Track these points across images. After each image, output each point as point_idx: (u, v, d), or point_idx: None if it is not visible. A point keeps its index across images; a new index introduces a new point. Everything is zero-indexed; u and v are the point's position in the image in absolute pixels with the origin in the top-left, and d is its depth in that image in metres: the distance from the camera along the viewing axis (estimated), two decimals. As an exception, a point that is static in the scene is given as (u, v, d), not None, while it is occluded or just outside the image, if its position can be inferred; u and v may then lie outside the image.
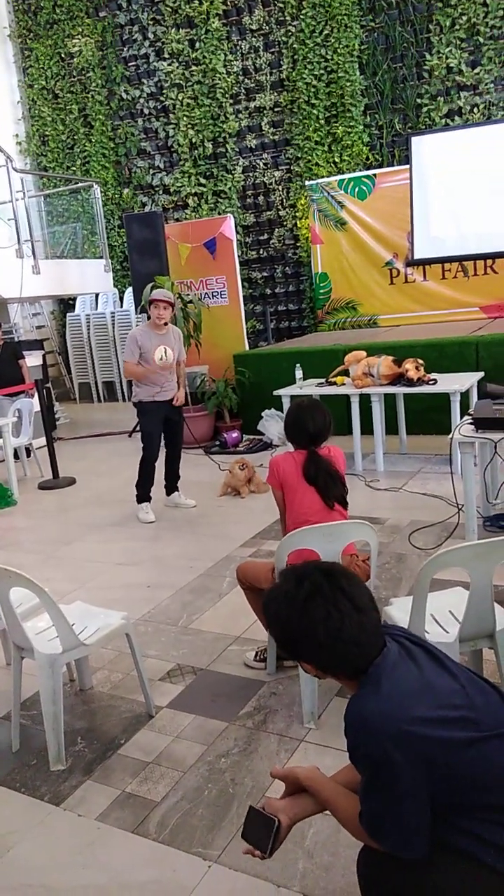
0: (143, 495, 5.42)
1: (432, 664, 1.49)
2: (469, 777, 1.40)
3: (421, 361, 5.66)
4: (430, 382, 5.59)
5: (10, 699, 2.82)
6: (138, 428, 5.54)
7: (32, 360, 8.08)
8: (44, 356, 8.18)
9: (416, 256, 8.56)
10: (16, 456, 6.98)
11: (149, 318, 5.31)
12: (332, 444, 3.12)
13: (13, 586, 2.58)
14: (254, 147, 10.66)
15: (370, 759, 1.42)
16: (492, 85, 9.06)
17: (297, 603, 1.48)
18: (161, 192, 11.37)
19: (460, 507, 4.45)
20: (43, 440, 7.07)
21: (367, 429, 5.91)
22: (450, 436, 4.16)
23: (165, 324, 5.23)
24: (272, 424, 7.29)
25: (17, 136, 12.16)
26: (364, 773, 1.45)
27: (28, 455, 7.37)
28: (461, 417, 4.84)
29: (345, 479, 3.02)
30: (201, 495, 5.78)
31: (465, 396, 5.58)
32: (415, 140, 8.30)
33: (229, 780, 2.44)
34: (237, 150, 10.75)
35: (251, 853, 1.59)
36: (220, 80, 10.54)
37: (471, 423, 4.04)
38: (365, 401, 5.86)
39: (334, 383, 6.18)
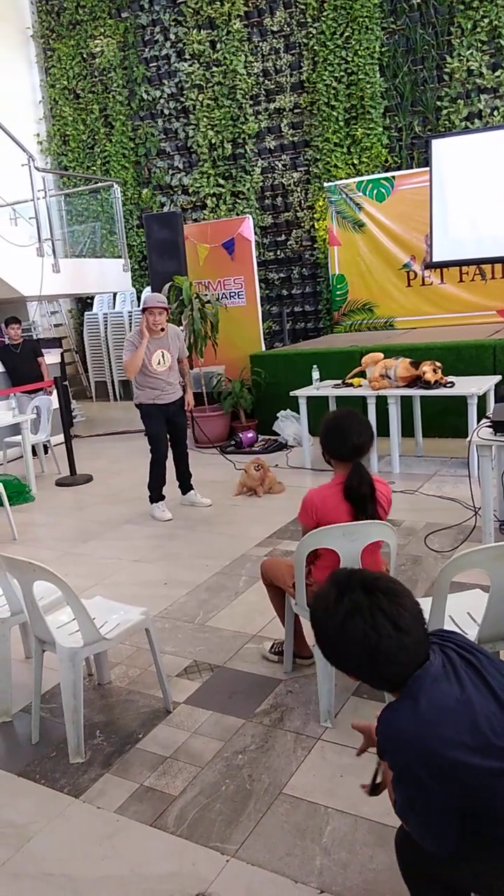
0: (156, 495, 5.44)
1: (476, 682, 1.46)
2: (498, 809, 1.39)
3: (438, 364, 5.66)
4: (448, 385, 5.59)
5: (31, 692, 2.85)
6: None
7: (51, 357, 8.14)
8: (62, 354, 8.23)
9: (435, 259, 8.55)
10: (34, 453, 7.04)
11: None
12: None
13: (36, 580, 2.62)
14: (273, 148, 10.68)
15: (396, 768, 1.45)
16: (513, 88, 9.04)
17: (336, 621, 1.48)
18: (180, 192, 11.43)
19: (477, 510, 4.45)
20: (60, 437, 7.12)
21: (383, 431, 5.90)
22: (468, 439, 4.16)
23: (162, 329, 5.20)
24: (287, 425, 7.31)
25: (38, 135, 12.26)
26: (392, 770, 1.48)
27: (45, 452, 7.43)
28: (478, 421, 4.84)
29: (386, 510, 2.76)
30: (216, 494, 5.81)
31: (482, 400, 5.57)
32: (435, 142, 8.29)
33: (246, 776, 2.47)
34: (256, 151, 10.78)
35: (364, 788, 1.69)
36: (240, 81, 10.57)
37: (489, 427, 4.03)
38: (381, 402, 5.86)
39: (351, 385, 6.18)
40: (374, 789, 1.66)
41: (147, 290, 10.96)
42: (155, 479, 5.41)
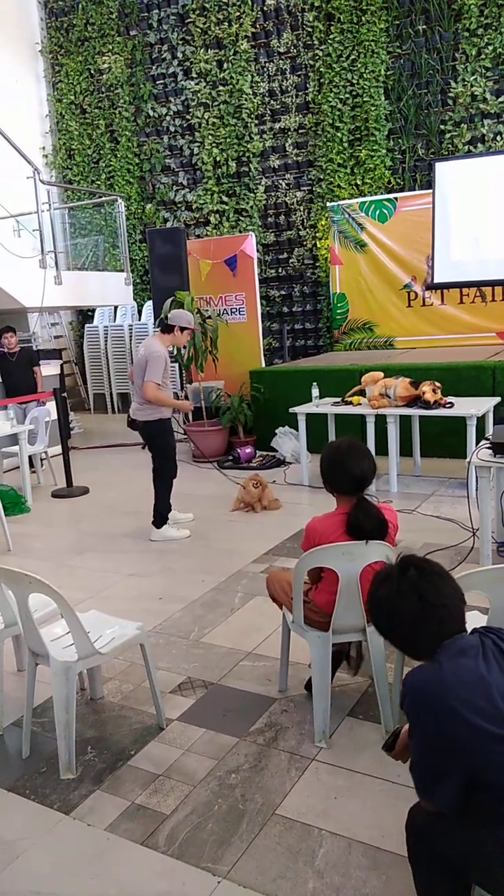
0: (166, 517, 5.25)
1: (502, 666, 1.59)
2: (500, 785, 1.51)
3: (438, 384, 5.68)
4: (447, 406, 5.60)
5: (22, 705, 2.82)
6: (156, 447, 5.23)
7: (50, 369, 8.15)
8: (61, 366, 8.23)
9: (436, 280, 8.61)
10: (30, 464, 7.02)
11: (164, 331, 5.14)
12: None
13: (32, 592, 2.60)
14: (277, 167, 10.78)
15: (411, 717, 1.62)
16: (515, 114, 9.16)
17: (375, 584, 1.74)
18: (183, 208, 11.50)
19: (475, 531, 4.44)
20: (58, 448, 7.11)
21: (381, 450, 5.91)
22: (467, 459, 4.16)
23: None
24: (285, 441, 7.30)
25: (43, 148, 12.35)
26: (408, 721, 1.65)
27: (41, 464, 7.41)
28: (477, 442, 4.84)
29: (394, 535, 2.70)
30: (213, 509, 5.79)
31: (481, 421, 5.58)
32: (438, 165, 8.38)
33: (239, 796, 2.43)
34: (260, 169, 10.88)
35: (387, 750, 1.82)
36: (246, 100, 10.69)
37: (489, 448, 4.04)
38: (380, 421, 5.87)
39: (350, 403, 6.19)
40: (390, 746, 1.79)
41: (148, 305, 11.01)
42: (168, 499, 5.22)
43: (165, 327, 5.17)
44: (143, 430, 5.17)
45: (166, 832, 2.29)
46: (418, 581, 1.65)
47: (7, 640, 3.02)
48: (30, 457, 6.89)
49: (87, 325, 12.05)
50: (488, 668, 1.56)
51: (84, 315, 12.52)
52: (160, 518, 5.23)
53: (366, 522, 2.57)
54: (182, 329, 5.12)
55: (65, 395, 6.97)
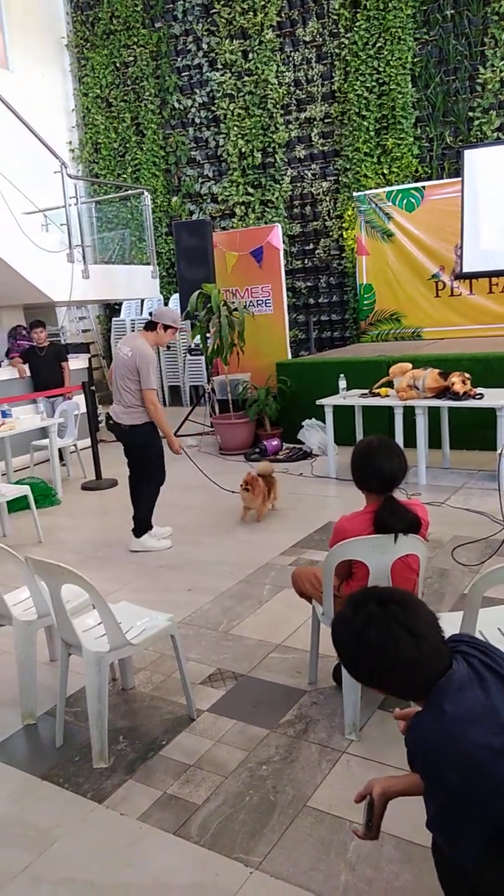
0: (148, 524, 4.95)
1: (500, 687, 1.48)
2: None
3: (468, 375, 5.61)
4: (477, 397, 5.53)
5: (55, 694, 2.86)
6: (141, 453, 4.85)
7: (78, 363, 8.21)
8: (89, 359, 8.32)
9: (466, 269, 8.50)
10: (60, 457, 7.10)
11: (148, 328, 4.82)
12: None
13: (65, 583, 2.63)
14: (303, 157, 10.71)
15: (425, 773, 1.48)
16: (546, 99, 8.98)
17: (354, 634, 1.54)
18: (209, 200, 11.49)
19: (506, 524, 4.39)
20: (86, 441, 7.17)
21: (409, 442, 5.86)
22: (497, 451, 4.11)
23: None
24: (312, 434, 7.28)
25: (70, 142, 12.41)
26: (423, 779, 1.50)
27: (70, 456, 7.48)
28: (508, 433, 4.78)
29: (426, 531, 2.66)
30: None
31: (511, 412, 5.51)
32: (467, 153, 8.26)
33: (270, 787, 2.44)
34: (286, 160, 10.81)
35: (356, 833, 1.67)
36: (271, 90, 10.62)
37: (520, 440, 3.98)
38: (409, 413, 5.82)
39: (378, 394, 6.15)
40: (368, 828, 1.64)
41: (174, 298, 11.02)
42: (153, 507, 4.92)
43: (149, 324, 4.82)
44: (127, 434, 4.75)
45: (198, 822, 2.31)
46: (403, 615, 1.50)
47: (40, 630, 3.05)
48: (59, 450, 6.96)
49: (114, 319, 12.12)
50: (487, 695, 1.45)
51: (111, 308, 12.59)
52: (141, 526, 4.91)
53: (394, 522, 2.54)
54: (166, 327, 4.75)
55: (93, 388, 7.02)
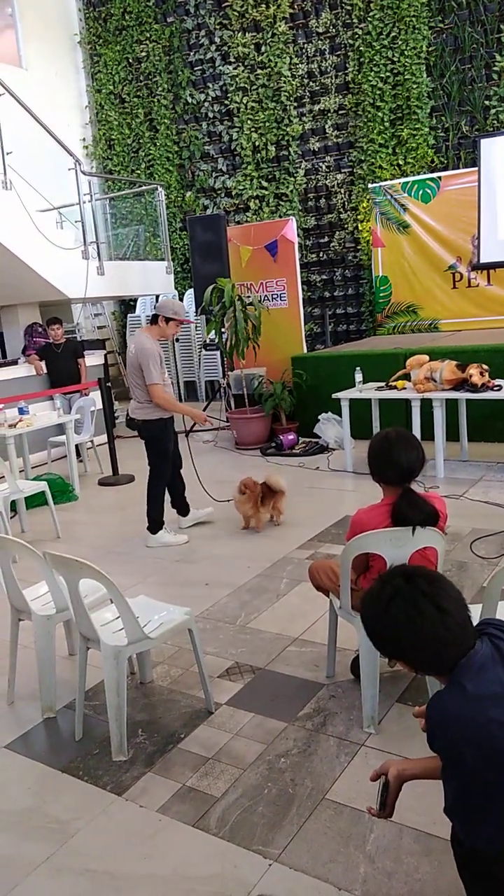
0: (161, 521, 4.94)
1: None
2: None
3: (486, 367, 5.56)
4: (495, 388, 5.48)
5: (74, 688, 2.88)
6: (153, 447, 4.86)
7: (94, 359, 8.24)
8: (105, 356, 8.33)
9: (483, 260, 8.42)
10: (77, 453, 7.13)
11: (151, 323, 4.81)
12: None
13: (83, 578, 2.64)
14: (317, 150, 10.65)
15: (445, 753, 1.49)
16: None
17: (381, 607, 1.55)
18: (223, 194, 11.47)
19: (525, 516, 4.35)
20: (103, 437, 7.20)
21: (427, 434, 5.83)
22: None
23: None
24: (329, 427, 7.26)
25: (83, 139, 12.43)
26: (442, 761, 1.51)
27: (87, 452, 7.52)
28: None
29: (444, 524, 2.65)
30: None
31: (530, 404, 5.46)
32: (484, 142, 8.17)
33: (289, 780, 2.44)
34: (300, 152, 10.76)
35: (370, 811, 1.70)
36: (284, 83, 10.57)
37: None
38: (426, 406, 5.78)
39: (395, 387, 6.11)
40: (382, 807, 1.66)
41: (189, 293, 11.02)
42: (161, 503, 4.90)
43: (153, 318, 4.81)
44: (141, 428, 4.81)
45: (217, 815, 2.31)
46: (429, 589, 1.51)
47: (59, 625, 3.07)
48: (76, 446, 7.00)
49: (129, 315, 12.14)
50: None
51: (126, 305, 12.62)
52: (154, 523, 4.90)
53: (412, 514, 2.52)
54: (168, 320, 4.68)
55: (109, 384, 7.04)
